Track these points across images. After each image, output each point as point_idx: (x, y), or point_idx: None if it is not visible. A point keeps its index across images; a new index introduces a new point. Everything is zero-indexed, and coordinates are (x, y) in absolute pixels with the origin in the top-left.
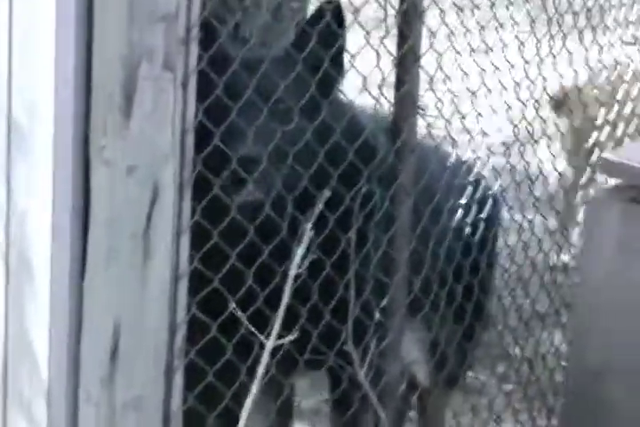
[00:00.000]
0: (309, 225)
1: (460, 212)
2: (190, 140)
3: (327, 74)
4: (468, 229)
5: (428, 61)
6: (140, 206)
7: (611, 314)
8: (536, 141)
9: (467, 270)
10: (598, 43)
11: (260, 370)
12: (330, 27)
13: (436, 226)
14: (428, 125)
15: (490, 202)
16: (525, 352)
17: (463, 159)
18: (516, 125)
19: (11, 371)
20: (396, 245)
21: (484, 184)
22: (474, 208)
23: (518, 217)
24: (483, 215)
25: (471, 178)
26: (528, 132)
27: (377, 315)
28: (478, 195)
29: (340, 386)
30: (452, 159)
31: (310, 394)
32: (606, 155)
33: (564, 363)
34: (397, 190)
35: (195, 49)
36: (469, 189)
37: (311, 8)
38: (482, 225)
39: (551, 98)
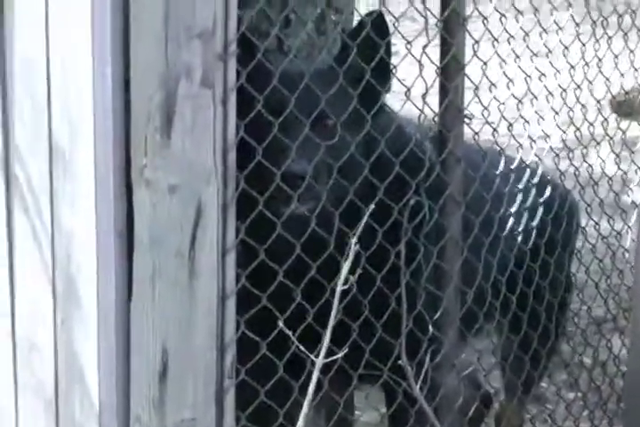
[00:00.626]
0: (355, 239)
1: (539, 213)
2: (232, 157)
3: (373, 85)
4: (546, 231)
5: (472, 69)
6: (184, 225)
7: None
8: (598, 143)
9: (547, 274)
10: None
11: (311, 388)
12: (374, 38)
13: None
14: (475, 134)
15: (568, 203)
16: (585, 359)
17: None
18: (578, 128)
19: (62, 395)
20: (446, 257)
21: (561, 186)
22: (553, 209)
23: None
24: (562, 216)
25: (544, 180)
26: (591, 134)
27: (430, 328)
28: (556, 196)
29: (396, 401)
30: (521, 163)
31: (370, 408)
32: None
33: (624, 369)
34: (446, 201)
35: (233, 65)
36: (546, 190)
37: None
38: (561, 226)
39: (613, 98)
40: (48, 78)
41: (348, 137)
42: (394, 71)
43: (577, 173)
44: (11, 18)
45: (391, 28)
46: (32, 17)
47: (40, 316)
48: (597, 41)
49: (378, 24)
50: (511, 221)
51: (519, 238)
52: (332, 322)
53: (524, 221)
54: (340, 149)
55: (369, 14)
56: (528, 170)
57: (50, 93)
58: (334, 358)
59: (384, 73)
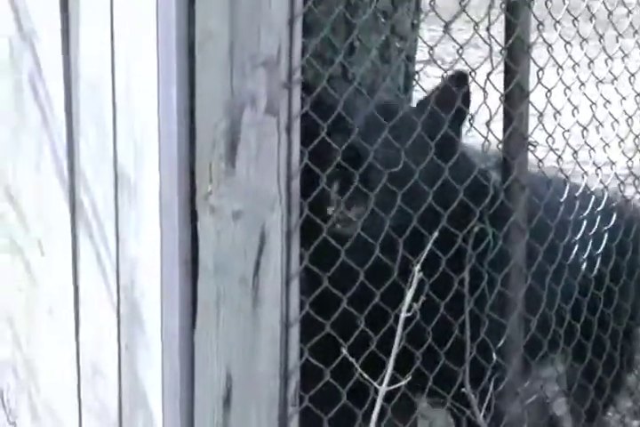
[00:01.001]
0: (418, 267)
1: (604, 239)
2: (296, 184)
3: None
4: (613, 258)
5: (536, 96)
6: (248, 252)
7: None
8: None
9: (615, 301)
10: None
11: (375, 415)
12: (456, 99)
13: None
14: (540, 161)
15: (635, 229)
16: None
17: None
18: None
19: (125, 422)
20: (510, 285)
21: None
22: (619, 235)
23: None
24: (627, 242)
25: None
26: None
27: (494, 356)
28: (622, 223)
29: None
30: (586, 190)
31: None
32: None
33: None
34: (511, 228)
35: (297, 92)
36: (612, 217)
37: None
38: (626, 252)
39: None
40: (113, 104)
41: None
42: (471, 122)
43: None
44: (76, 42)
45: (455, 56)
46: (97, 42)
47: (104, 341)
48: None
49: (462, 84)
50: (576, 248)
51: (584, 266)
52: (395, 349)
53: (588, 248)
54: (407, 175)
55: (454, 76)
56: (593, 197)
57: (115, 119)
58: (397, 385)
59: (460, 123)
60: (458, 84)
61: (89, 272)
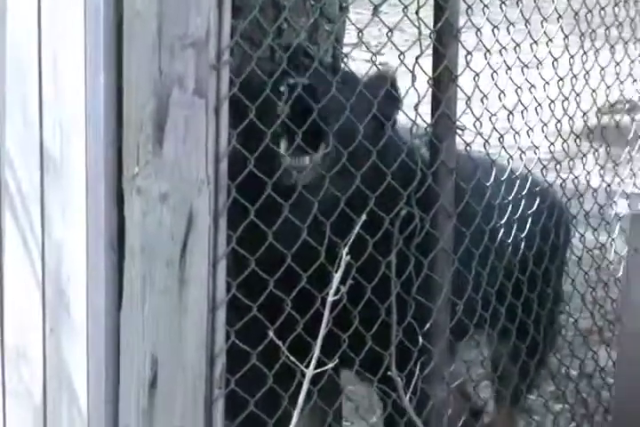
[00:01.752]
0: (346, 250)
1: (529, 221)
2: (224, 166)
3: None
4: (538, 239)
5: (464, 80)
6: (175, 234)
7: None
8: (584, 155)
9: (538, 282)
10: None
11: (301, 398)
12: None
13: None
14: (467, 145)
15: (558, 212)
16: (572, 371)
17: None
18: (565, 140)
19: (50, 404)
20: (437, 268)
21: (551, 196)
22: (543, 217)
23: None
24: (550, 227)
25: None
26: (577, 146)
27: (420, 339)
28: (547, 204)
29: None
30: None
31: (358, 418)
32: None
33: (610, 381)
34: (438, 212)
35: (226, 74)
36: (537, 198)
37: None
38: (553, 234)
39: (599, 110)
40: (40, 85)
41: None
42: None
43: (563, 184)
44: (2, 21)
45: (383, 39)
46: (24, 21)
47: (29, 324)
48: (585, 53)
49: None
50: (502, 231)
51: (509, 249)
52: (322, 333)
53: (513, 231)
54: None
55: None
56: (519, 180)
57: (41, 100)
58: (324, 368)
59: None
60: (380, 84)
61: (14, 255)
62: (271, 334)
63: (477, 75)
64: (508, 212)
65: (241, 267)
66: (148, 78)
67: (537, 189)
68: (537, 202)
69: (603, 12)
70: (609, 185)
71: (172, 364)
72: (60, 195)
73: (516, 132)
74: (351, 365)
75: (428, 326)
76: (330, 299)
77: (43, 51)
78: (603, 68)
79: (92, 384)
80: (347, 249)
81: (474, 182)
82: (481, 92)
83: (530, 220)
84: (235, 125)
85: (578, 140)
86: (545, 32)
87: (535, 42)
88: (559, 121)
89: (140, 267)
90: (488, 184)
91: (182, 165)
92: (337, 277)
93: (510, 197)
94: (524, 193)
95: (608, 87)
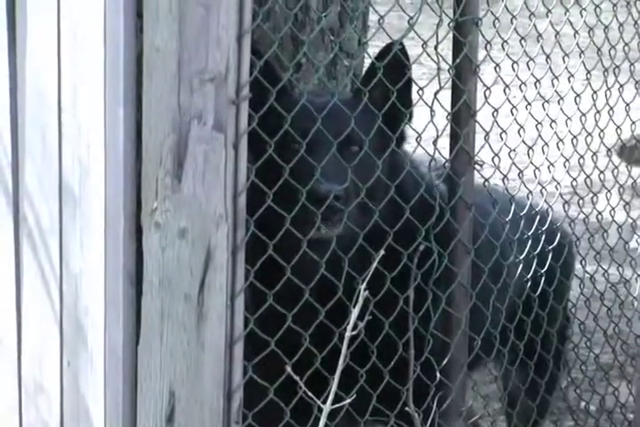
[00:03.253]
0: (364, 285)
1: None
2: (242, 201)
3: (395, 113)
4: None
5: (483, 115)
6: (194, 269)
7: None
8: (609, 191)
9: (544, 319)
10: None
11: None
12: (396, 66)
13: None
14: (485, 180)
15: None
16: (591, 407)
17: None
18: (588, 176)
19: None
20: (455, 303)
21: (562, 232)
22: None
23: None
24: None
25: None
26: (601, 181)
27: (438, 375)
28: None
29: None
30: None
31: None
32: None
33: (630, 416)
34: (456, 247)
35: (245, 109)
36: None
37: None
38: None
39: (623, 145)
40: (59, 120)
41: (373, 166)
42: (414, 100)
43: (586, 220)
44: (22, 56)
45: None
46: (44, 56)
47: (47, 357)
48: (609, 88)
49: (399, 54)
50: (519, 266)
51: (527, 285)
52: (339, 368)
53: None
54: (364, 177)
55: (390, 44)
56: (537, 217)
57: (61, 135)
58: (342, 404)
59: (405, 102)
60: (397, 54)
61: (32, 287)
62: (289, 369)
63: (496, 110)
64: (517, 248)
65: (259, 302)
66: (167, 113)
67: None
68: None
69: (627, 48)
70: (634, 220)
71: (190, 398)
72: (79, 228)
73: (537, 168)
74: (369, 400)
75: (445, 362)
76: (347, 334)
77: (62, 84)
78: (628, 104)
79: (109, 418)
80: (365, 284)
81: (490, 217)
82: (499, 127)
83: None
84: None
85: (602, 175)
86: (566, 67)
87: (556, 77)
88: (582, 156)
89: (158, 301)
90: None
91: (201, 200)
92: (355, 311)
93: (519, 233)
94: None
95: (633, 122)
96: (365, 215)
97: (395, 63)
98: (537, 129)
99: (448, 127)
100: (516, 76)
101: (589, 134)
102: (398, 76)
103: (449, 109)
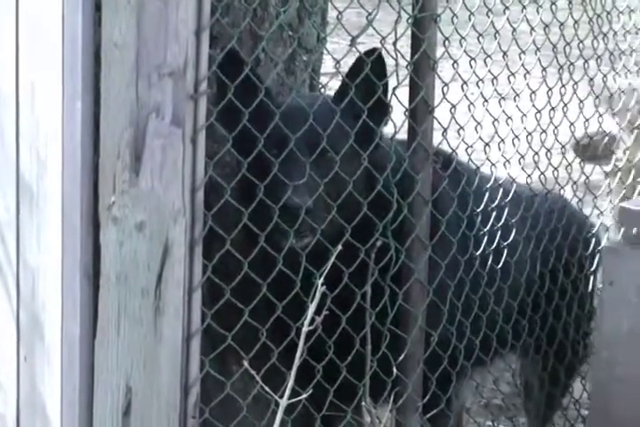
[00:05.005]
0: (321, 280)
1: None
2: (200, 196)
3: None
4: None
5: (440, 111)
6: (151, 263)
7: (633, 364)
8: (562, 188)
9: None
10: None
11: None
12: (371, 76)
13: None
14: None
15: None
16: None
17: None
18: (542, 172)
19: None
20: (412, 300)
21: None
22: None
23: None
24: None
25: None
26: (555, 178)
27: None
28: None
29: None
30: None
31: None
32: (624, 204)
33: (585, 412)
34: (413, 244)
35: (204, 104)
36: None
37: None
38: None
39: (577, 142)
40: (17, 114)
41: (347, 172)
42: (390, 108)
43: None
44: None
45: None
46: (3, 50)
47: (3, 352)
48: (564, 85)
49: (375, 62)
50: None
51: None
52: (296, 363)
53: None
54: (338, 184)
55: (367, 52)
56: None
57: (18, 129)
58: (299, 398)
59: (381, 109)
60: (369, 57)
61: None
62: (246, 364)
63: (454, 106)
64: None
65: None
66: (125, 107)
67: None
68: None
69: (581, 45)
70: (587, 217)
71: (146, 392)
72: (36, 222)
73: (493, 164)
74: (326, 395)
75: (401, 357)
76: (304, 329)
77: (20, 78)
78: (581, 101)
79: (66, 412)
80: (321, 280)
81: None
82: (457, 123)
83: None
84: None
85: (555, 172)
86: (523, 64)
87: (513, 74)
88: (536, 153)
89: (115, 296)
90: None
91: (159, 194)
92: (312, 306)
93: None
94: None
95: (587, 120)
96: (335, 223)
97: (372, 70)
98: (494, 126)
99: (406, 123)
100: (474, 72)
101: (544, 131)
102: (375, 82)
103: (407, 105)
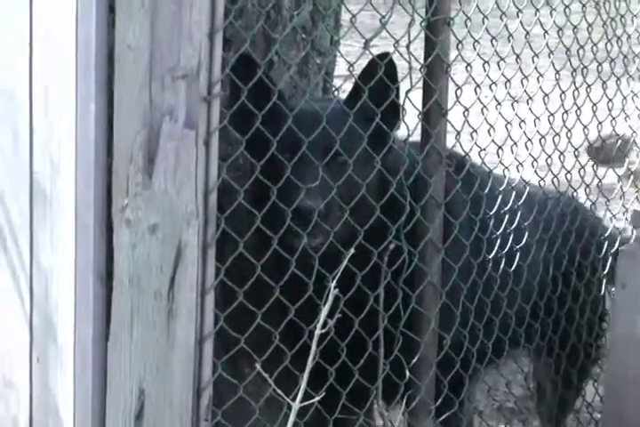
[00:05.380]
0: (334, 284)
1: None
2: (213, 198)
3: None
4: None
5: (454, 114)
6: (164, 266)
7: None
8: (575, 190)
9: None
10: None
11: None
12: (383, 79)
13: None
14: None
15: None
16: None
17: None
18: (555, 175)
19: None
20: (425, 303)
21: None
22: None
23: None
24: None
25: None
26: (568, 181)
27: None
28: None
29: None
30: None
31: None
32: (638, 207)
33: (597, 416)
34: (426, 247)
35: (217, 106)
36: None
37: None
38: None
39: (590, 145)
40: (30, 117)
41: (359, 175)
42: (403, 111)
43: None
44: None
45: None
46: (14, 52)
47: (16, 353)
48: (577, 88)
49: (387, 65)
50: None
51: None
52: (309, 366)
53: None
54: (350, 187)
55: (379, 56)
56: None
57: (32, 132)
58: (311, 401)
59: (393, 112)
60: (381, 60)
61: (2, 284)
62: (258, 367)
63: (467, 109)
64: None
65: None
66: (138, 109)
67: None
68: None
69: (595, 48)
70: (600, 220)
71: (159, 395)
72: (50, 225)
73: (506, 167)
74: (338, 397)
75: (415, 360)
76: (317, 332)
77: (34, 81)
78: (595, 104)
79: (79, 414)
80: (334, 283)
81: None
82: (470, 126)
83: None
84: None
85: (568, 175)
86: (536, 67)
87: (526, 77)
88: (549, 156)
89: (127, 298)
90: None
91: (172, 197)
92: (325, 310)
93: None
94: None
95: (600, 123)
96: (348, 226)
97: (384, 73)
98: (506, 129)
99: (419, 126)
100: (487, 75)
101: (557, 134)
102: (387, 86)
103: (420, 108)
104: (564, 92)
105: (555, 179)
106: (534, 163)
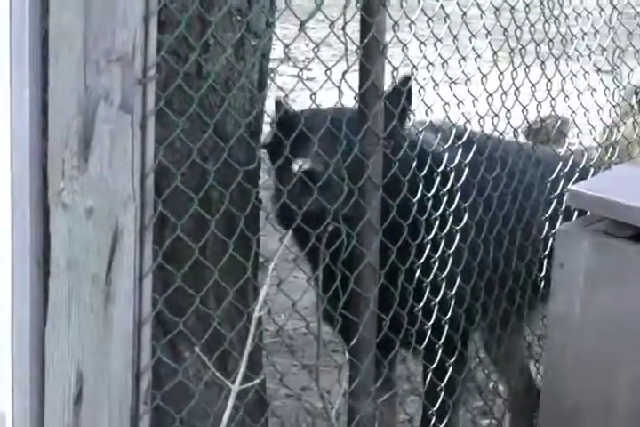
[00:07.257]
0: (273, 265)
1: None
2: (150, 182)
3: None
4: None
5: None
6: (101, 249)
7: (582, 348)
8: None
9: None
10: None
11: (226, 415)
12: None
13: None
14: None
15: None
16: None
17: None
18: None
19: None
20: (363, 283)
21: None
22: None
23: None
24: None
25: None
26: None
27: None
28: None
29: None
30: None
31: None
32: (575, 186)
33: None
34: (364, 228)
35: (152, 90)
36: None
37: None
38: None
39: (529, 126)
40: None
41: None
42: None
43: None
44: None
45: (311, 54)
46: None
47: None
48: (515, 69)
49: (409, 90)
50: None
51: None
52: (248, 347)
53: None
54: None
55: (402, 82)
56: None
57: None
58: (250, 384)
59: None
60: (404, 84)
61: None
62: (197, 350)
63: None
64: None
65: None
66: (73, 93)
67: None
68: None
69: (533, 29)
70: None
71: (97, 379)
72: None
73: (444, 149)
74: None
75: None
76: (255, 314)
77: None
78: (533, 85)
79: (17, 400)
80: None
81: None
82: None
83: None
84: None
85: None
86: (473, 48)
87: (463, 58)
88: (489, 137)
89: (65, 282)
90: None
91: (108, 180)
92: (263, 291)
93: None
94: None
95: (539, 103)
96: None
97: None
98: (444, 110)
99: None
100: (424, 57)
101: (496, 115)
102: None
103: (357, 90)
104: (502, 73)
105: None
106: None
